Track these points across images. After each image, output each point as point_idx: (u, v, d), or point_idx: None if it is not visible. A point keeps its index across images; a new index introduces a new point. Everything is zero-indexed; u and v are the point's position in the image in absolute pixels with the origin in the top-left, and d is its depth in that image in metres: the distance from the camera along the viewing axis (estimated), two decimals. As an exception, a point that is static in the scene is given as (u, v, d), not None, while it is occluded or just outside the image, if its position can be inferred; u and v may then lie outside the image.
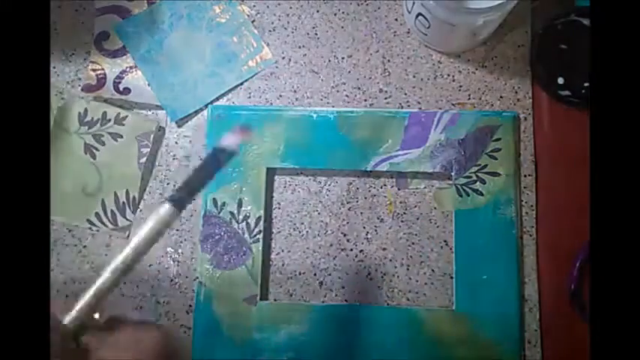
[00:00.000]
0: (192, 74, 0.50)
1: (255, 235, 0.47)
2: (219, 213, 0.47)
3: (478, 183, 0.46)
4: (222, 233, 0.47)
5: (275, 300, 0.47)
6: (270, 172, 0.48)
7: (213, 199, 0.47)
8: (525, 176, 0.48)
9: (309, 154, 0.48)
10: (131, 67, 0.51)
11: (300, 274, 0.47)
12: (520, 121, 0.48)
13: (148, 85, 0.50)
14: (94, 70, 0.51)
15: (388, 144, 0.47)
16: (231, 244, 0.47)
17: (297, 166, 0.48)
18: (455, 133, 0.47)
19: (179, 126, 0.50)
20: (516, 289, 0.45)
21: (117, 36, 0.51)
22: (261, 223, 0.47)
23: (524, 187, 0.47)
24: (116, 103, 0.50)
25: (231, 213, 0.47)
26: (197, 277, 0.46)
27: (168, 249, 0.48)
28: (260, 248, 0.46)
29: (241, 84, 0.50)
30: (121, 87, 0.50)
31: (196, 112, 0.50)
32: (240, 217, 0.47)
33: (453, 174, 0.47)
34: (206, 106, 0.50)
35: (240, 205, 0.47)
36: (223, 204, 0.47)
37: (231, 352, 0.45)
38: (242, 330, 0.45)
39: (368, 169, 0.47)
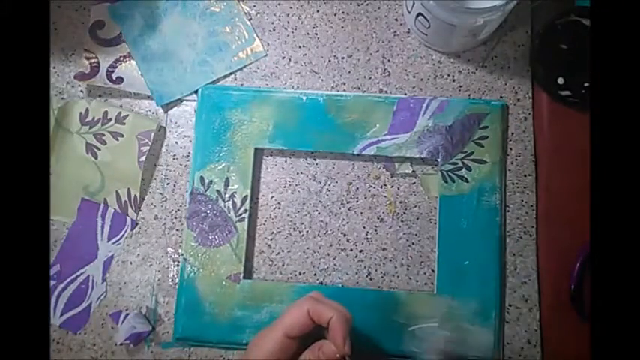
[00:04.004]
0: (182, 61, 0.51)
1: (240, 214, 0.47)
2: (205, 191, 0.47)
3: (464, 170, 0.47)
4: (208, 211, 0.47)
5: (258, 278, 0.47)
6: (258, 153, 0.49)
7: (201, 177, 0.48)
8: (525, 176, 0.48)
9: (297, 135, 0.48)
10: (125, 57, 0.51)
11: (299, 273, 0.47)
12: (508, 110, 0.49)
13: (139, 69, 0.50)
14: (87, 59, 0.51)
15: (376, 128, 0.48)
16: (217, 222, 0.47)
17: (285, 147, 0.48)
18: (442, 119, 0.47)
19: (174, 122, 0.50)
20: (497, 275, 0.45)
21: (111, 18, 0.51)
22: (247, 202, 0.47)
23: (525, 187, 0.47)
24: (108, 92, 0.50)
25: (218, 192, 0.47)
26: (182, 254, 0.47)
27: (169, 249, 0.48)
28: (245, 227, 0.47)
29: (230, 74, 0.50)
30: (114, 76, 0.50)
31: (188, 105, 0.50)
32: (227, 195, 0.47)
33: (439, 160, 0.47)
34: (195, 92, 0.50)
35: (227, 184, 0.47)
36: (210, 182, 0.47)
37: (213, 328, 0.45)
38: (224, 307, 0.45)
39: (355, 153, 0.47)
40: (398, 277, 0.47)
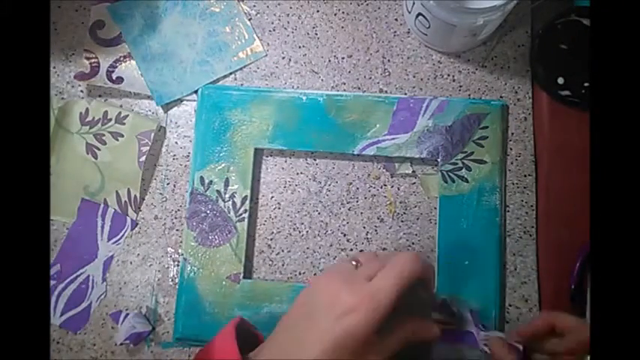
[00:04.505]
0: (182, 61, 0.51)
1: (240, 214, 0.47)
2: (205, 191, 0.47)
3: (464, 170, 0.47)
4: (208, 211, 0.47)
5: (258, 278, 0.47)
6: (258, 153, 0.49)
7: (201, 177, 0.48)
8: (525, 176, 0.48)
9: (297, 135, 0.48)
10: (125, 57, 0.51)
11: (299, 274, 0.47)
12: (508, 110, 0.49)
13: (139, 69, 0.50)
14: (87, 59, 0.51)
15: (376, 128, 0.48)
16: (217, 222, 0.47)
17: (284, 147, 0.48)
18: (442, 119, 0.47)
19: (174, 122, 0.50)
20: (497, 275, 0.45)
21: (111, 18, 0.51)
22: (247, 202, 0.47)
23: (525, 187, 0.47)
24: (108, 92, 0.50)
25: (218, 192, 0.47)
26: (182, 254, 0.47)
27: (169, 249, 0.48)
28: (245, 227, 0.47)
29: (230, 74, 0.50)
30: (113, 76, 0.50)
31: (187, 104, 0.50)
32: (227, 195, 0.47)
33: (439, 160, 0.47)
34: (195, 92, 0.50)
35: (227, 184, 0.47)
36: (210, 182, 0.47)
37: (213, 328, 0.45)
38: (224, 307, 0.45)
39: (355, 153, 0.48)
40: (398, 277, 0.47)
